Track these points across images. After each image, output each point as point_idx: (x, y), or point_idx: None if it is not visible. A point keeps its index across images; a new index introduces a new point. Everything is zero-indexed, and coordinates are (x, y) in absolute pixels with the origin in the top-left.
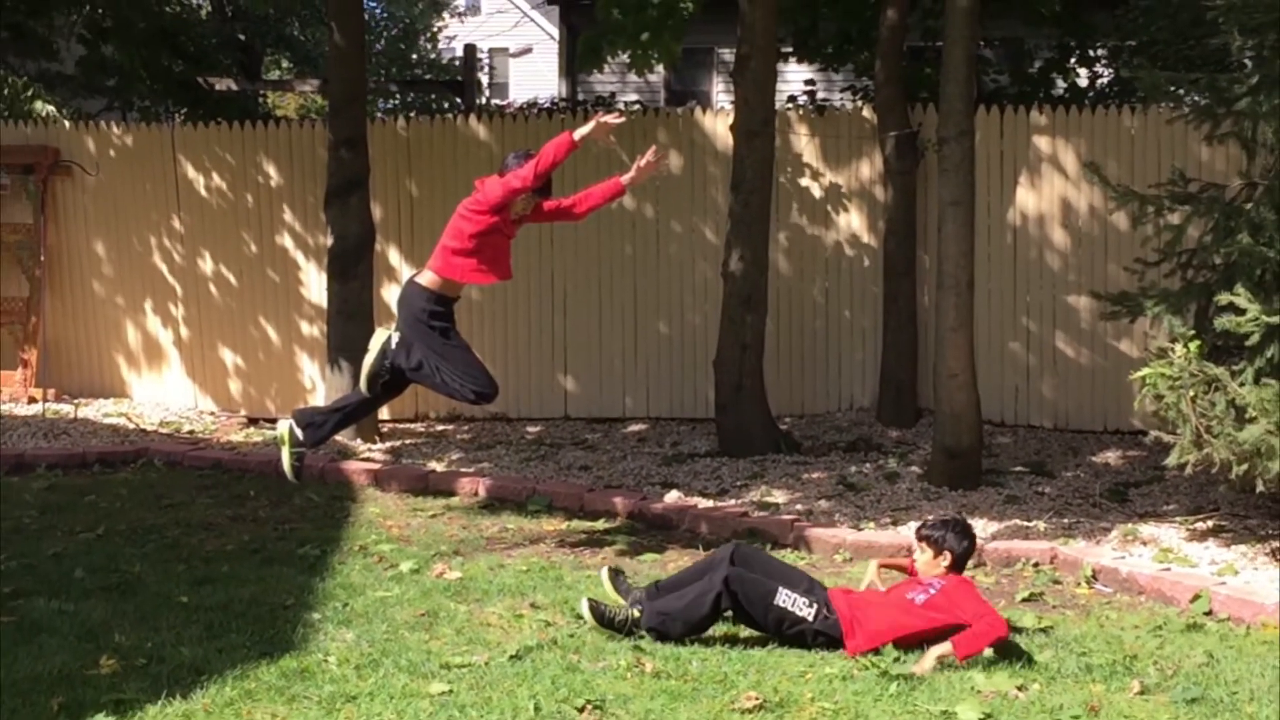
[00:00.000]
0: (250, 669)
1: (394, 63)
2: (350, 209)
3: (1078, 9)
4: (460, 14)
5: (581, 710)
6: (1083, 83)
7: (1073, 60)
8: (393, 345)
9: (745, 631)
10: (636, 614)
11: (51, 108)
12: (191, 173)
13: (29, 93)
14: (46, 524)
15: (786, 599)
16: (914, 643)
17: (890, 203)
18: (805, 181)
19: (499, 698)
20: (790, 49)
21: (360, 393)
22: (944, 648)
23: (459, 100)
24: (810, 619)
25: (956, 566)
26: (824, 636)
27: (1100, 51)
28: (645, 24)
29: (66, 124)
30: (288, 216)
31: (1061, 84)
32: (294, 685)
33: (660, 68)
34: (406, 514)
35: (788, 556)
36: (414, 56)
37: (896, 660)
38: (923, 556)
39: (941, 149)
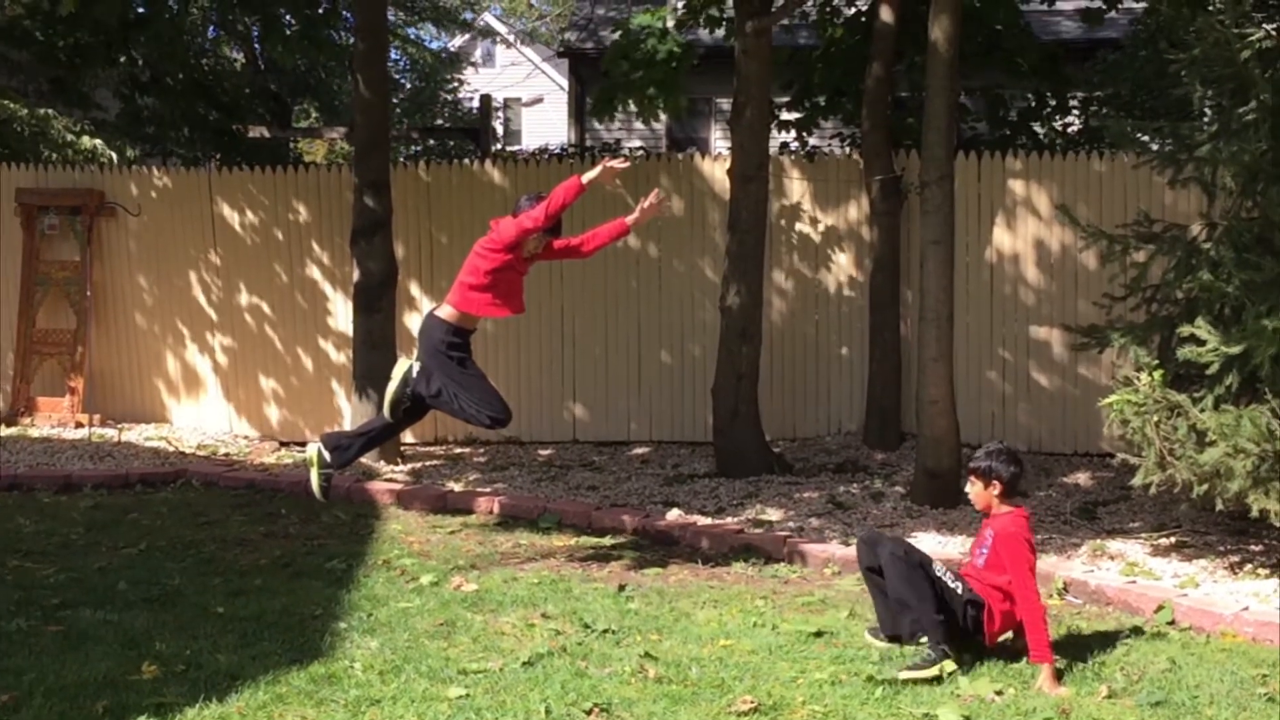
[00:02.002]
0: (281, 674)
1: (415, 111)
2: (375, 247)
3: (1053, 61)
4: (476, 65)
5: (589, 713)
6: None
7: (1048, 109)
8: (414, 374)
9: (743, 641)
10: (913, 646)
11: (99, 142)
12: (227, 212)
13: (78, 128)
14: (92, 540)
15: (939, 570)
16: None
17: (876, 242)
18: (797, 222)
19: (512, 701)
20: (786, 99)
21: (384, 418)
22: (1040, 674)
23: (475, 146)
24: (962, 593)
25: (1009, 492)
26: (974, 606)
27: (1073, 101)
28: (651, 79)
29: (111, 167)
30: (317, 252)
31: (1040, 130)
32: (322, 690)
33: (663, 116)
34: (426, 531)
35: (781, 570)
36: (435, 106)
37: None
38: (974, 489)
39: (923, 192)
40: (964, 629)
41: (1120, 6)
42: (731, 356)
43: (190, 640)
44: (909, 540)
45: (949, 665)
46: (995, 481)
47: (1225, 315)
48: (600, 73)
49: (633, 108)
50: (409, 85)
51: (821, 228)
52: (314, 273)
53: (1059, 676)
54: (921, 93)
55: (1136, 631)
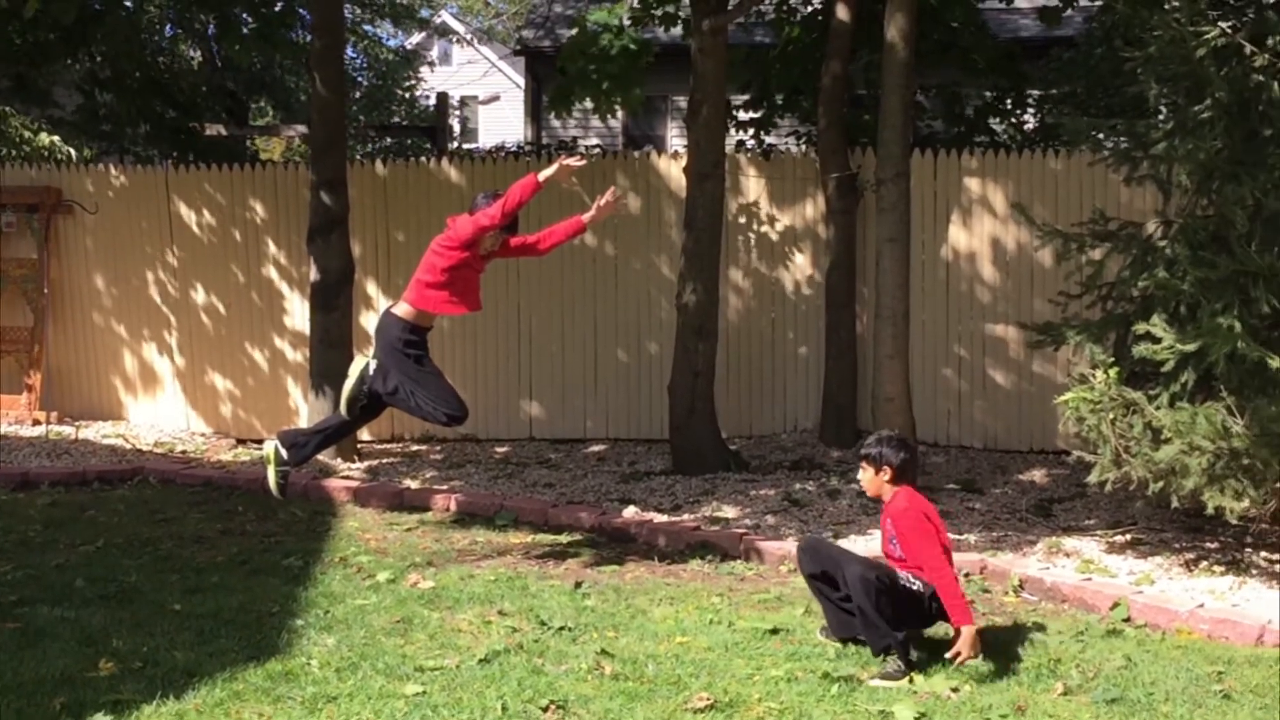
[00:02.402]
0: (238, 672)
1: (373, 109)
2: (331, 245)
3: (1010, 59)
4: (433, 64)
5: (545, 710)
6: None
7: (1005, 107)
8: (370, 372)
9: (700, 638)
10: (901, 664)
11: (56, 139)
12: (184, 211)
13: (35, 125)
14: (49, 537)
15: (903, 578)
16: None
17: (832, 240)
18: (754, 220)
19: (469, 698)
20: (744, 99)
21: (340, 415)
22: (961, 641)
23: (432, 144)
24: (923, 590)
25: (900, 478)
26: (937, 603)
27: (1030, 99)
28: (607, 73)
29: (69, 165)
30: (273, 251)
31: (997, 128)
32: (279, 687)
33: (620, 114)
34: (383, 528)
35: (737, 567)
36: (392, 105)
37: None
38: (865, 475)
39: (879, 190)
40: (932, 617)
41: (1076, 5)
42: (688, 354)
43: (147, 637)
44: (865, 555)
45: (917, 677)
46: (886, 467)
47: (1181, 313)
48: (557, 70)
49: (589, 104)
50: (366, 83)
51: (778, 226)
52: (271, 271)
53: (980, 637)
54: (878, 90)
55: (1092, 629)
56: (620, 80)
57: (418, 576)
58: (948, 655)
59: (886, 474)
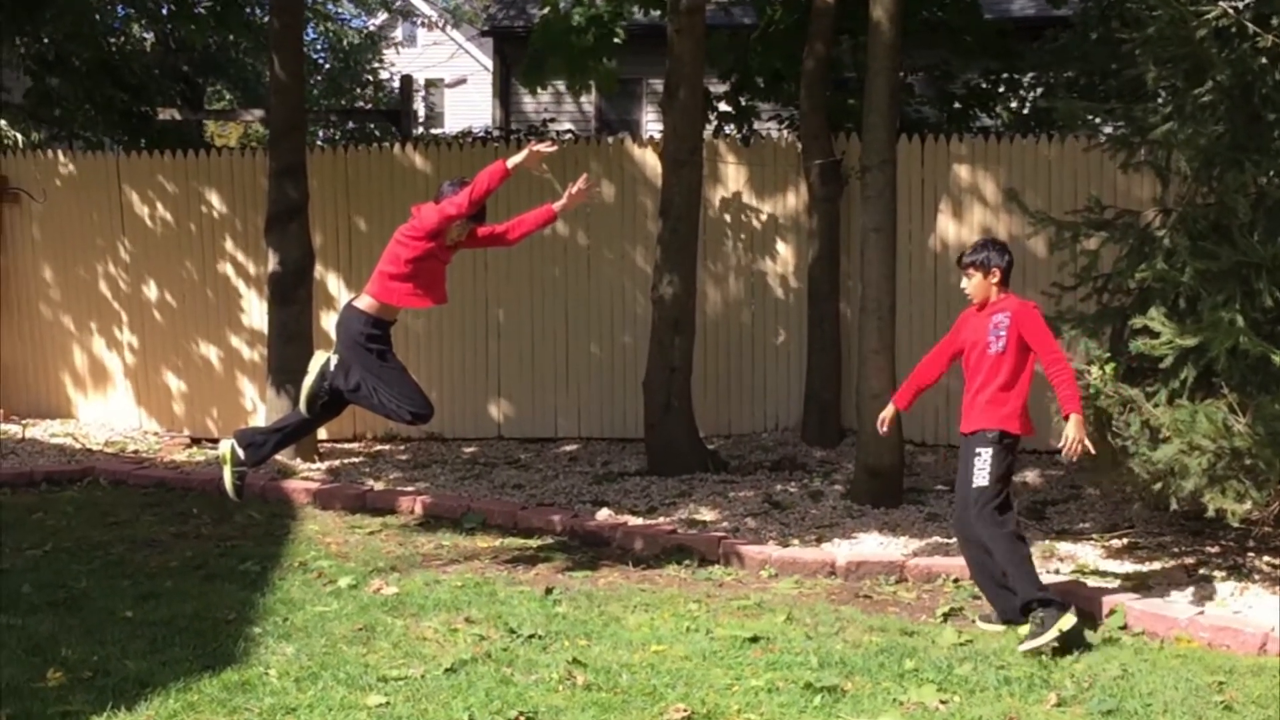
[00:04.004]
0: (193, 682)
1: (335, 93)
2: (290, 235)
3: (1002, 38)
4: (398, 46)
5: None
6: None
7: (998, 89)
8: (331, 367)
9: (676, 646)
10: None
11: (3, 123)
12: (136, 200)
13: None
14: None
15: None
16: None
17: (815, 229)
18: (732, 209)
19: (434, 709)
20: (725, 87)
21: (300, 413)
22: (1071, 424)
23: (396, 129)
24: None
25: (1006, 280)
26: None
27: (1023, 82)
28: (581, 45)
29: (14, 151)
30: (229, 244)
31: (991, 112)
32: (235, 698)
33: (592, 97)
34: (345, 531)
35: (716, 572)
36: (356, 90)
37: None
38: (973, 281)
39: (864, 177)
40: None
41: None
42: (663, 349)
43: (98, 646)
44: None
45: (1067, 620)
46: (995, 269)
47: (1180, 306)
48: (527, 50)
49: (561, 86)
50: (328, 65)
51: (758, 215)
52: (225, 264)
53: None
54: (863, 74)
55: (1087, 637)
56: (594, 52)
57: (381, 582)
58: (1059, 446)
59: (996, 275)
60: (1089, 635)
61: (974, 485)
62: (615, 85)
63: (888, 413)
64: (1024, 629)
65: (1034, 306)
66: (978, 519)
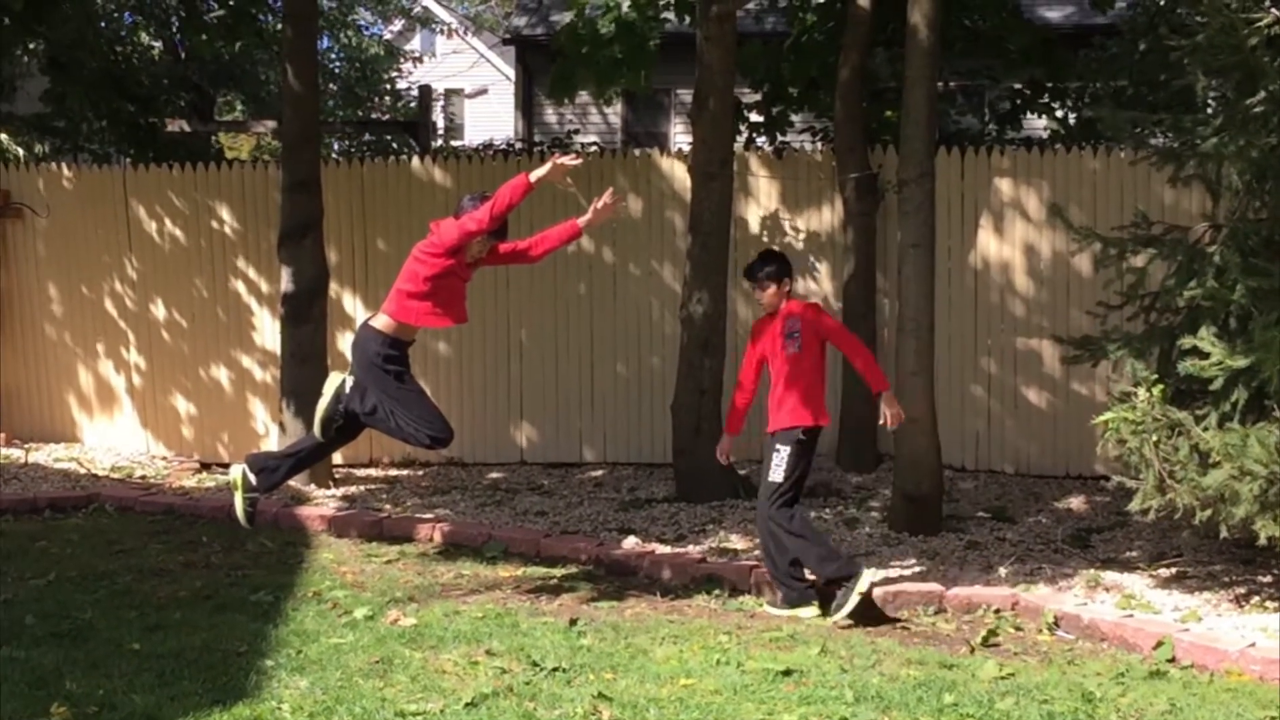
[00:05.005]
0: (203, 716)
1: (352, 104)
2: (304, 251)
3: (1047, 45)
4: (416, 58)
5: None
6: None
7: (1043, 99)
8: (347, 389)
9: (706, 680)
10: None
11: (4, 136)
12: (144, 215)
13: None
14: None
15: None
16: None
17: (850, 245)
18: (764, 224)
19: None
20: (756, 97)
21: (314, 437)
22: (885, 400)
23: (414, 141)
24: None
25: (792, 288)
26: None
27: (1069, 91)
28: (609, 55)
29: (17, 164)
30: (240, 261)
31: (1035, 122)
32: None
33: (618, 108)
34: (361, 560)
35: (747, 603)
36: (373, 100)
37: None
38: (768, 293)
39: (901, 191)
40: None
41: None
42: (693, 370)
43: (103, 679)
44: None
45: (863, 580)
46: (787, 280)
47: (1231, 326)
48: (550, 59)
49: (586, 96)
50: (343, 75)
51: (791, 230)
52: (237, 282)
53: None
54: (900, 84)
55: (1133, 670)
56: (627, 60)
57: (398, 613)
58: (882, 422)
59: (788, 285)
60: (1137, 668)
61: (769, 480)
62: (649, 86)
63: (724, 444)
64: (806, 611)
65: (819, 305)
66: (769, 512)
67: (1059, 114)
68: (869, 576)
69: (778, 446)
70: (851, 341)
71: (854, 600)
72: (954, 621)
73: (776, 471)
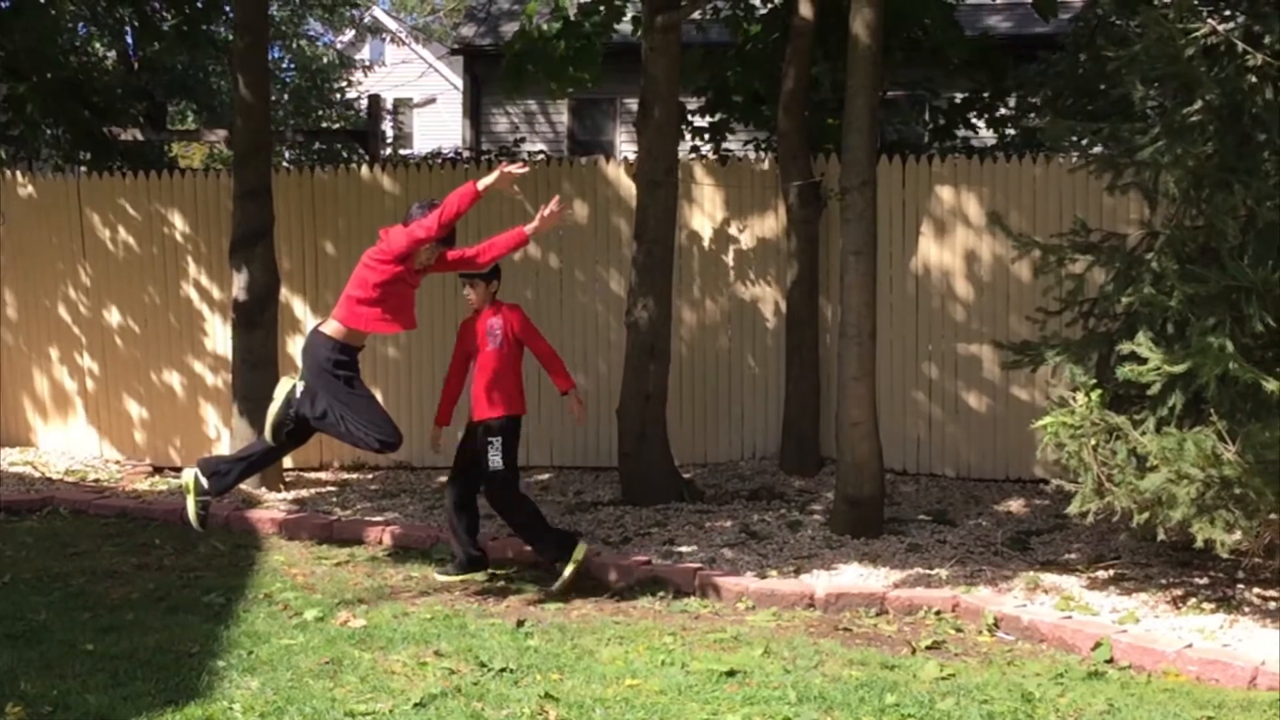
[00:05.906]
0: (155, 716)
1: (303, 113)
2: (255, 258)
3: (986, 53)
4: (366, 67)
5: None
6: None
7: (983, 104)
8: (297, 394)
9: (651, 680)
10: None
11: None
12: (98, 223)
13: None
14: None
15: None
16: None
17: (793, 252)
18: (709, 231)
19: None
20: (699, 103)
21: (265, 441)
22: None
23: (363, 150)
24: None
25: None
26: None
27: (1007, 101)
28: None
29: None
30: (192, 268)
31: (977, 127)
32: None
33: (565, 116)
34: (311, 562)
35: (691, 604)
36: (324, 109)
37: None
38: (477, 292)
39: (844, 198)
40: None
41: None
42: (638, 375)
43: (57, 679)
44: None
45: (579, 551)
46: (494, 281)
47: (1168, 331)
48: (499, 68)
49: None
50: (295, 84)
51: (735, 237)
52: (189, 288)
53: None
54: (843, 93)
55: (1072, 670)
56: (574, 58)
57: (348, 614)
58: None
59: (495, 286)
60: (1076, 668)
61: (491, 469)
62: (599, 78)
63: (434, 433)
64: (478, 576)
65: (519, 308)
66: (499, 499)
67: (999, 115)
68: (584, 548)
69: (490, 439)
70: (544, 347)
71: (570, 571)
72: (895, 623)
73: (495, 460)
